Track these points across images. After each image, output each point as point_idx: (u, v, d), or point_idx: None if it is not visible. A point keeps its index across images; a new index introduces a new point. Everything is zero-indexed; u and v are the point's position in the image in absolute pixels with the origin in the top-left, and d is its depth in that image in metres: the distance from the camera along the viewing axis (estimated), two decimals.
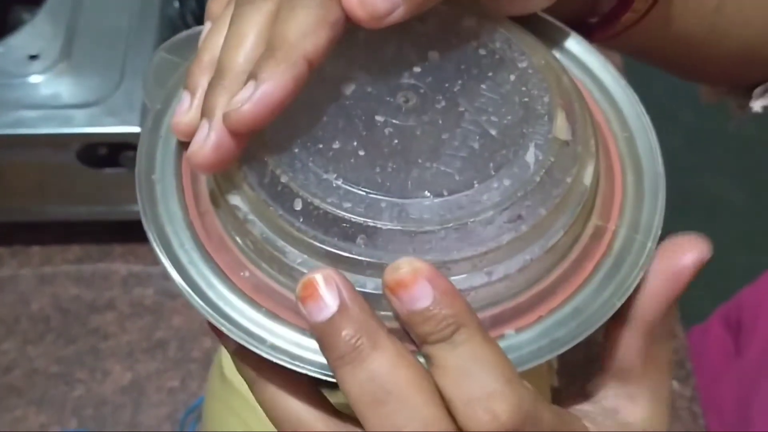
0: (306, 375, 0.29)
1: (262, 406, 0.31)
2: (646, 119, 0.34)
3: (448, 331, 0.27)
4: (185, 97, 0.31)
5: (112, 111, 0.61)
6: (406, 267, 0.27)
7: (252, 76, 0.28)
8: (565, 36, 0.36)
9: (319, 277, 0.27)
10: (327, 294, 0.27)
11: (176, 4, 0.68)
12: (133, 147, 0.63)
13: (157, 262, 0.30)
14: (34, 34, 0.64)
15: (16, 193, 0.68)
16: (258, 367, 0.30)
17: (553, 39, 0.36)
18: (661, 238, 0.32)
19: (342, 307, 0.27)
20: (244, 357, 0.30)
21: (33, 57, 0.63)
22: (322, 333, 0.27)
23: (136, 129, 0.61)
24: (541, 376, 0.34)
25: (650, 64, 0.53)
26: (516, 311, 0.29)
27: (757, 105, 0.50)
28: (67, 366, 0.66)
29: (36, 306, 0.69)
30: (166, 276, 0.29)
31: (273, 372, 0.30)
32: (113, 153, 0.62)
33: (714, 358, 0.72)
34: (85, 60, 0.63)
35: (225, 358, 0.50)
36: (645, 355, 0.31)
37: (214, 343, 0.67)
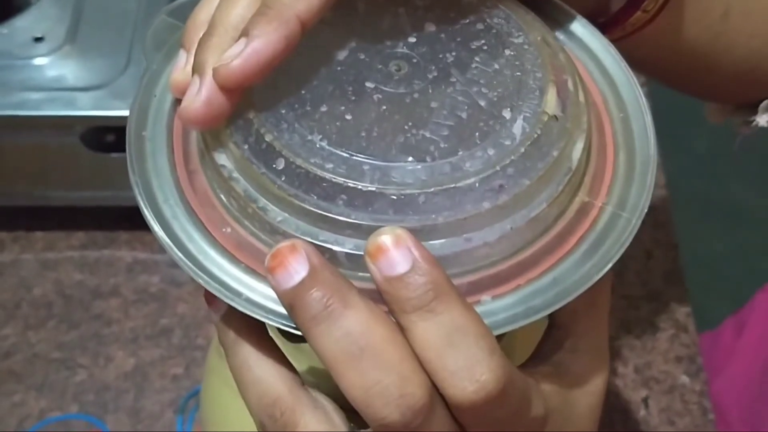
0: (277, 344, 0.30)
1: (233, 371, 0.31)
2: (643, 101, 0.34)
3: (426, 298, 0.27)
4: (181, 54, 0.32)
5: (118, 94, 0.60)
6: (387, 233, 0.28)
7: (244, 33, 0.28)
8: (570, 18, 0.37)
9: (286, 247, 0.28)
10: (295, 261, 0.28)
11: None
12: None
13: (162, 249, 0.30)
14: (39, 16, 0.63)
15: (19, 176, 0.67)
16: (238, 329, 0.31)
17: (556, 20, 0.36)
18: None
19: (311, 271, 0.27)
20: (228, 321, 0.31)
21: (38, 39, 0.62)
22: (292, 298, 0.28)
23: None
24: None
25: (653, 76, 0.53)
26: (494, 279, 0.30)
27: (763, 120, 0.50)
28: (68, 351, 0.66)
29: (38, 291, 0.68)
30: (173, 264, 0.30)
31: (249, 335, 0.31)
32: (119, 138, 0.62)
33: (724, 362, 0.72)
34: (91, 43, 0.63)
35: None
36: (577, 312, 0.33)
37: None
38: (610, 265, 0.30)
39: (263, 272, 0.29)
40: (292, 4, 0.28)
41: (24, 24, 0.63)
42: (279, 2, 0.28)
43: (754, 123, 0.51)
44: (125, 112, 0.64)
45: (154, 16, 0.63)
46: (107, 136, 0.63)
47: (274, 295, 0.29)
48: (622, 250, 0.30)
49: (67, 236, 0.70)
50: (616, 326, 0.66)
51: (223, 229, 0.30)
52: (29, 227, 0.71)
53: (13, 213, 0.70)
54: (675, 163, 1.16)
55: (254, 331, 0.31)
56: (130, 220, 0.70)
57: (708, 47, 0.46)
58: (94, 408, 0.64)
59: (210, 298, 0.31)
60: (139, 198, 0.31)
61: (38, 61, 0.62)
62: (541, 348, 0.34)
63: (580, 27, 0.36)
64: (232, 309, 0.30)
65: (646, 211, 0.31)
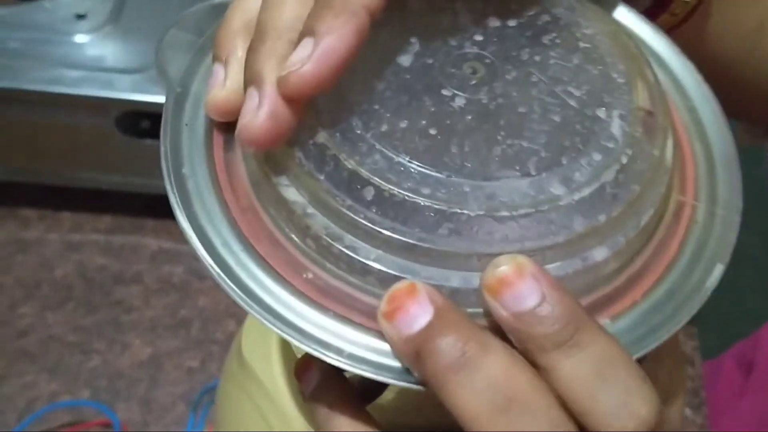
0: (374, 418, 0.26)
1: None
2: (706, 88, 0.32)
3: (567, 332, 0.24)
4: (217, 68, 0.28)
5: (156, 80, 0.59)
6: (507, 263, 0.24)
7: (307, 32, 0.25)
8: (614, 4, 0.34)
9: (403, 288, 0.24)
10: (417, 304, 0.24)
11: None
12: None
13: (187, 241, 0.27)
14: None
15: (50, 154, 0.66)
16: (331, 403, 0.27)
17: (603, 6, 0.33)
18: None
19: (438, 313, 0.24)
20: (320, 396, 0.28)
21: (80, 16, 0.62)
22: (420, 344, 0.24)
23: None
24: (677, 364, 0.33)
25: None
26: (610, 298, 0.27)
27: None
28: (85, 335, 0.65)
29: (60, 272, 0.67)
30: (197, 256, 0.27)
31: (344, 409, 0.27)
32: (154, 124, 0.61)
33: (724, 394, 0.71)
34: (133, 24, 0.62)
35: (245, 338, 0.48)
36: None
37: (238, 326, 0.65)
38: (722, 270, 0.28)
39: (358, 319, 0.26)
40: None
41: (67, 0, 0.62)
42: None
43: None
44: (162, 99, 0.65)
45: (198, 1, 0.63)
46: (142, 122, 0.62)
47: (376, 345, 0.25)
48: (730, 251, 0.28)
49: (94, 219, 0.69)
50: None
51: (303, 275, 0.26)
52: (57, 207, 0.70)
53: (42, 191, 0.69)
54: None
55: (349, 404, 0.28)
56: (158, 207, 0.69)
57: (740, 60, 0.44)
58: (106, 395, 0.62)
59: (302, 372, 0.27)
60: (196, 247, 0.26)
61: (79, 38, 0.61)
62: None
63: (626, 13, 0.34)
64: (324, 381, 0.27)
65: (741, 206, 0.29)
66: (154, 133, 0.61)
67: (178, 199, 0.27)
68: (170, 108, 0.29)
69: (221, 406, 0.51)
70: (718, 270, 0.28)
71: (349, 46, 0.24)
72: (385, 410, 0.31)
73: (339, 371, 0.28)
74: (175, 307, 0.66)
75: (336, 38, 0.24)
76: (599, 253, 0.26)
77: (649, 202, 0.27)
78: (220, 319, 0.66)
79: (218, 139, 0.29)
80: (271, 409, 0.46)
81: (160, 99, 0.61)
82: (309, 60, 0.24)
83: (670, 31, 0.39)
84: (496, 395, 0.24)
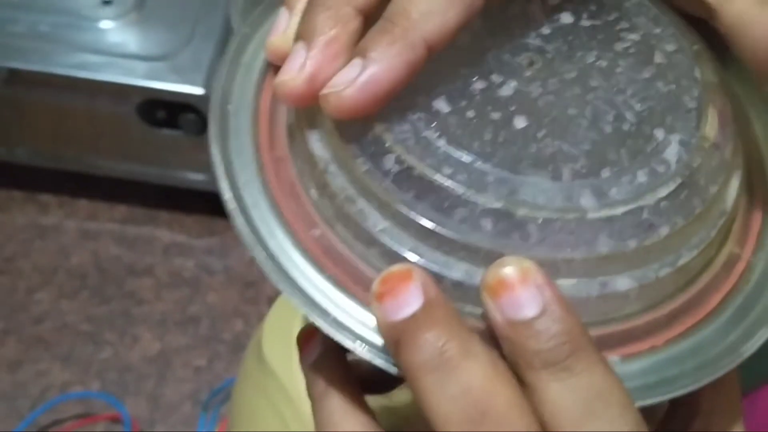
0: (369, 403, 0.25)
1: (316, 425, 0.27)
2: None
3: (561, 352, 0.22)
4: (283, 13, 0.27)
5: (178, 69, 0.59)
6: (512, 265, 0.23)
7: (359, 52, 0.24)
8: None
9: (399, 271, 0.23)
10: (408, 291, 0.23)
11: None
12: (194, 110, 0.61)
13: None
14: None
15: (70, 140, 0.66)
16: (329, 379, 0.26)
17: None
18: None
19: (426, 305, 0.23)
20: (319, 369, 0.26)
21: (106, 2, 0.61)
22: (400, 333, 0.23)
23: (200, 91, 0.59)
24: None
25: None
26: (626, 335, 0.25)
27: None
28: (97, 326, 0.65)
29: (76, 260, 0.67)
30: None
31: (341, 387, 0.26)
32: (172, 114, 0.61)
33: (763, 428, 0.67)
34: (157, 13, 0.62)
35: (266, 337, 0.47)
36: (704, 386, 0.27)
37: (245, 327, 0.65)
38: (764, 337, 0.25)
39: (353, 288, 0.25)
40: (422, 23, 0.24)
41: None
42: (406, 18, 0.24)
43: None
44: (182, 88, 0.61)
45: None
46: (162, 111, 0.62)
47: (364, 318, 0.24)
48: None
49: (110, 208, 0.70)
50: None
51: (312, 231, 0.26)
52: (74, 193, 0.70)
53: (61, 177, 0.70)
54: None
55: (347, 383, 0.27)
56: (172, 199, 0.69)
57: None
58: (116, 387, 0.63)
59: (304, 341, 0.26)
60: (219, 179, 0.26)
61: (104, 24, 0.61)
62: (666, 427, 0.29)
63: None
64: (325, 355, 0.26)
65: None
66: (171, 123, 0.61)
67: (215, 131, 0.27)
68: (235, 44, 0.29)
69: (237, 404, 0.50)
70: (762, 336, 0.25)
71: (397, 79, 0.23)
72: (396, 414, 0.30)
73: (341, 350, 0.26)
74: (185, 303, 0.66)
75: (385, 68, 0.23)
76: (622, 283, 0.24)
77: (693, 241, 0.25)
78: (229, 318, 0.66)
79: (270, 82, 0.28)
80: (290, 411, 0.45)
81: (180, 88, 0.60)
82: (352, 85, 0.24)
83: None
84: (470, 406, 0.22)
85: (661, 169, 0.25)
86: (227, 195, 0.26)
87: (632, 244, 0.24)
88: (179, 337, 0.64)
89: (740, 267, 0.26)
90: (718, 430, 0.28)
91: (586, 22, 0.27)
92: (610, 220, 0.24)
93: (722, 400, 0.28)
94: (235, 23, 0.32)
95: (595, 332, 0.24)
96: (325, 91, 0.24)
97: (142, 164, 0.65)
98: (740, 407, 0.28)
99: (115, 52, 0.60)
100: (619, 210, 0.24)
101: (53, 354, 0.64)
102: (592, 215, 0.24)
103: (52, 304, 0.66)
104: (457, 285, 0.24)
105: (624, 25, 0.27)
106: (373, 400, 0.27)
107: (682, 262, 0.25)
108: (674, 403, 0.28)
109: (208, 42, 0.59)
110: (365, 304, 0.24)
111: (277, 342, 0.45)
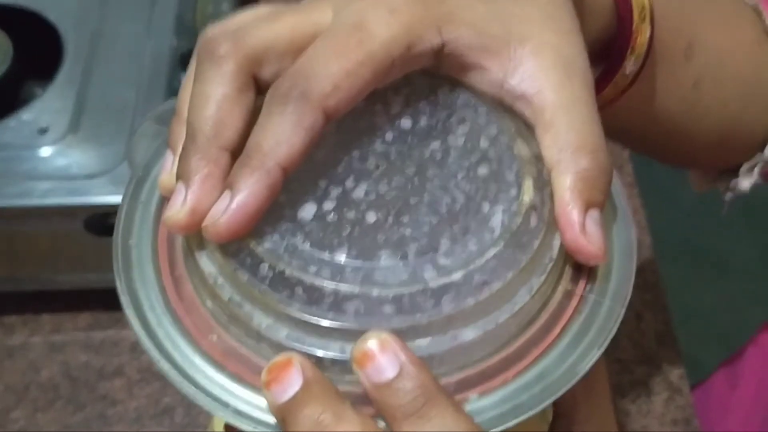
0: None
1: None
2: (618, 182, 0.34)
3: (416, 404, 0.27)
4: (168, 156, 0.32)
5: (118, 180, 0.62)
6: (372, 338, 0.27)
7: (228, 185, 0.29)
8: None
9: (281, 361, 0.28)
10: (290, 376, 0.27)
11: (183, 78, 0.70)
12: None
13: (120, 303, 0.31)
14: (44, 108, 0.65)
15: (27, 262, 0.69)
16: None
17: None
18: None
19: (304, 385, 0.27)
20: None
21: (43, 130, 0.64)
22: (285, 413, 0.27)
23: None
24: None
25: (633, 147, 0.54)
26: (481, 376, 0.29)
27: (744, 184, 0.51)
28: None
29: (46, 374, 0.69)
30: (125, 316, 0.31)
31: None
32: None
33: (716, 414, 0.71)
34: (92, 132, 0.65)
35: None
36: (577, 400, 0.34)
37: None
38: (596, 357, 0.30)
39: (252, 380, 0.29)
40: (273, 152, 0.28)
41: (30, 116, 0.65)
42: (260, 151, 0.28)
43: (737, 188, 0.52)
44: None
45: (152, 106, 0.66)
46: (110, 220, 0.64)
47: (262, 403, 0.29)
48: (608, 340, 0.30)
49: (74, 317, 0.71)
50: (611, 391, 0.66)
51: (210, 336, 0.30)
52: (37, 310, 0.72)
53: (23, 297, 0.72)
54: (661, 215, 1.16)
55: None
56: None
57: (684, 116, 0.47)
58: None
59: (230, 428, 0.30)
60: (125, 307, 0.31)
61: (43, 151, 0.64)
62: None
63: None
64: None
65: (629, 297, 0.31)
66: None
67: (119, 266, 0.32)
68: (131, 188, 0.34)
69: None
70: (593, 356, 0.30)
71: (260, 201, 0.28)
72: None
73: None
74: (158, 395, 0.68)
75: (249, 195, 0.28)
76: (468, 333, 0.29)
77: (525, 289, 0.30)
78: None
79: None
80: None
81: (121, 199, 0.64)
82: (224, 214, 0.28)
83: (615, 99, 0.43)
84: None
85: (487, 236, 0.30)
86: (132, 320, 0.31)
87: (471, 301, 0.29)
88: (156, 428, 0.66)
89: (575, 301, 0.31)
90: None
91: (423, 123, 0.32)
92: (449, 285, 0.28)
93: (593, 410, 0.33)
94: (131, 168, 0.38)
95: (453, 378, 0.29)
96: (204, 222, 0.29)
97: (97, 273, 0.67)
98: (612, 415, 0.34)
99: (58, 176, 0.62)
100: (455, 276, 0.29)
101: None
102: (433, 284, 0.28)
103: (29, 419, 0.67)
104: (335, 361, 0.28)
105: (455, 119, 0.33)
106: None
107: (518, 306, 0.29)
108: (556, 416, 0.33)
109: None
110: (260, 390, 0.29)
111: None
